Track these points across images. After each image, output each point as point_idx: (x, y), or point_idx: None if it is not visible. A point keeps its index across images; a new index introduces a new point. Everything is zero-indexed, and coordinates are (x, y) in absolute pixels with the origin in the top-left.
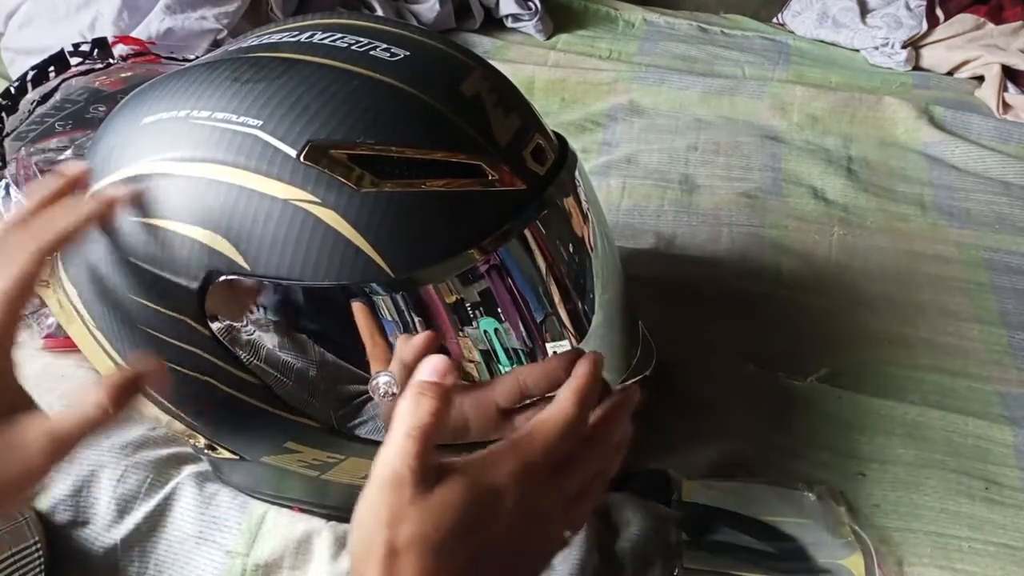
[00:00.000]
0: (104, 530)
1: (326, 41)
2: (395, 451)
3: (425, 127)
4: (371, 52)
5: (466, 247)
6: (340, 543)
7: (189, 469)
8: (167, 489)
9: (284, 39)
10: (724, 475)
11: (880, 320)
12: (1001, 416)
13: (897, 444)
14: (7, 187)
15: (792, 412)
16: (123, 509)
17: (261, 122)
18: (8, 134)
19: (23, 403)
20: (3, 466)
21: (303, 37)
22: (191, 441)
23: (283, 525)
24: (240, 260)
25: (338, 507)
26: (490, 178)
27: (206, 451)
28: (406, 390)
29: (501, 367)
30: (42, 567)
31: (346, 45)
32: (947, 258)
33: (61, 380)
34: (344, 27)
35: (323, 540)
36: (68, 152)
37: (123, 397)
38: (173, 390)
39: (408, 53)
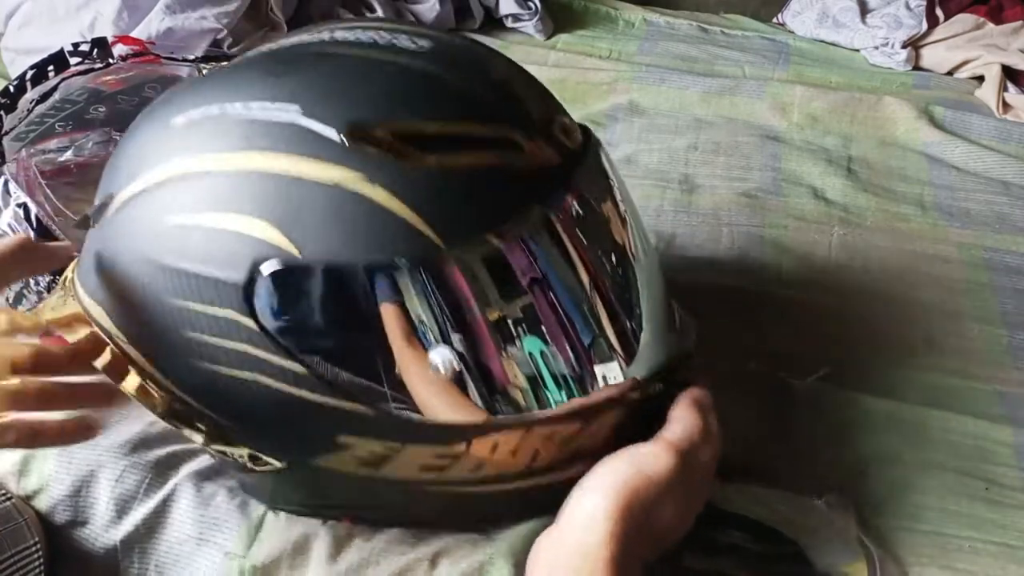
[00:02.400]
0: (103, 530)
1: (350, 37)
2: (702, 436)
3: (463, 104)
4: (396, 43)
5: (511, 218)
6: (338, 544)
7: (187, 469)
8: (165, 489)
9: (305, 39)
10: (723, 474)
11: (880, 320)
12: (1001, 416)
13: (897, 444)
14: (6, 184)
15: (792, 412)
16: (122, 509)
17: (299, 106)
18: (7, 132)
19: None
20: None
21: (325, 36)
22: (231, 455)
23: (281, 527)
24: (289, 246)
25: (395, 511)
26: (527, 151)
27: (249, 464)
28: (695, 393)
29: (546, 343)
30: (42, 567)
31: (370, 39)
32: (947, 258)
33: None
34: (364, 27)
35: (321, 541)
36: (69, 152)
37: None
38: (219, 398)
39: (432, 44)
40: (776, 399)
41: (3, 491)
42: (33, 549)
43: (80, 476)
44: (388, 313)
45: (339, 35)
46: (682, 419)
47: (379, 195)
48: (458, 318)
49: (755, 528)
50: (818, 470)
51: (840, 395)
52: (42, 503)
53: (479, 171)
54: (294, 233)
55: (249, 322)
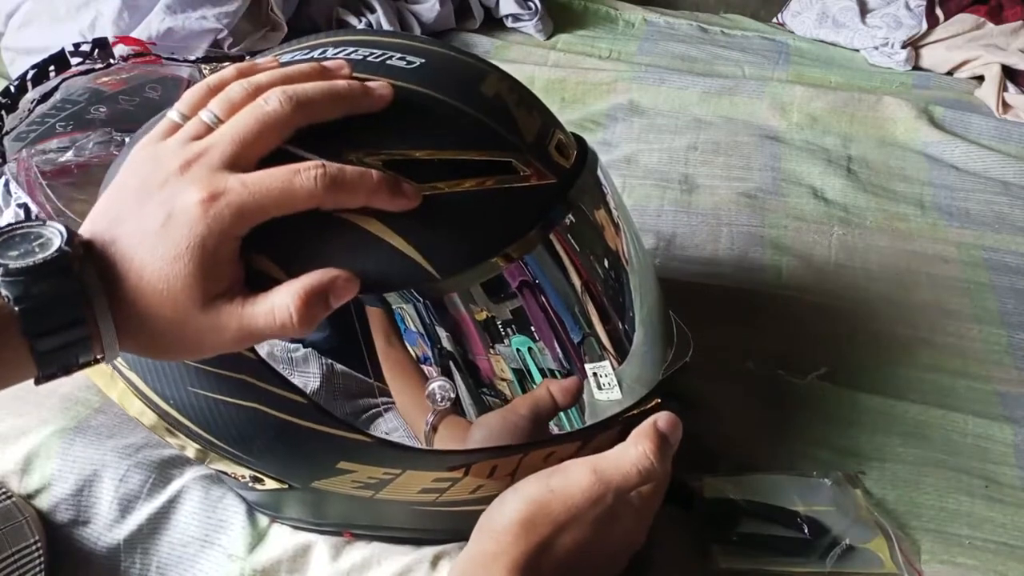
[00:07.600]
0: (106, 530)
1: (340, 55)
2: (640, 472)
3: (455, 129)
4: (387, 62)
5: (507, 244)
6: (339, 547)
7: (192, 471)
8: (170, 490)
9: (296, 58)
10: (725, 472)
11: (880, 320)
12: (1001, 415)
13: (897, 443)
14: (7, 184)
15: (792, 410)
16: (125, 509)
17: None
18: (8, 132)
19: (236, 280)
20: (199, 345)
21: (315, 54)
22: (232, 475)
23: (286, 533)
24: (284, 277)
25: (393, 528)
26: (522, 174)
27: (251, 484)
28: (659, 422)
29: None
30: (43, 567)
31: (361, 57)
32: (947, 258)
33: (61, 381)
34: (354, 42)
35: (322, 545)
36: (69, 153)
37: (310, 311)
38: (221, 424)
39: (423, 60)
40: (776, 398)
41: (3, 490)
42: (33, 548)
43: (83, 476)
44: (384, 344)
45: (330, 53)
46: (626, 449)
47: (373, 226)
48: (455, 348)
49: (779, 515)
50: (817, 468)
51: (840, 394)
52: (44, 502)
53: (473, 198)
54: (288, 263)
55: (248, 353)
